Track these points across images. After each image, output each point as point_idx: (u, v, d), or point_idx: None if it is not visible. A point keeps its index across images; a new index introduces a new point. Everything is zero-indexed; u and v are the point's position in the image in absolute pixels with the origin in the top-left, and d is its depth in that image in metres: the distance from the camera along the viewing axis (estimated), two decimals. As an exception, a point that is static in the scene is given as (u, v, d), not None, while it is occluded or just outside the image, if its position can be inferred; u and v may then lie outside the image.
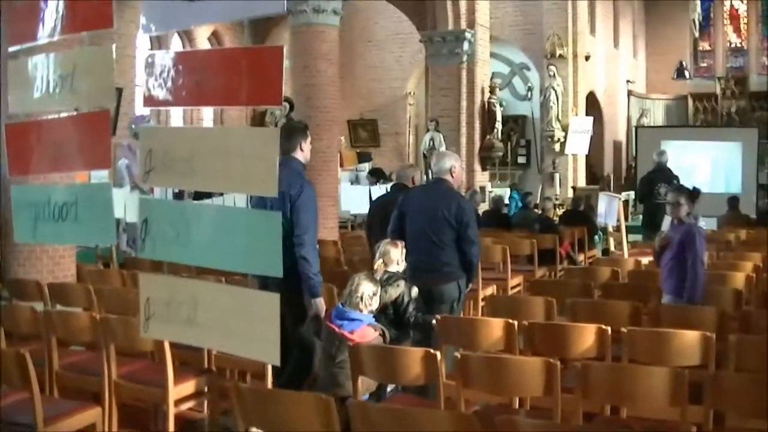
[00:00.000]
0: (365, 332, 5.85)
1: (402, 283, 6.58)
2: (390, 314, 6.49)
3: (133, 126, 14.89)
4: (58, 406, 5.42)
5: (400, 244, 6.83)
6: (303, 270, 6.32)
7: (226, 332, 3.38)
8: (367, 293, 5.92)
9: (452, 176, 7.46)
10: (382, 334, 5.97)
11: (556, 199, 21.56)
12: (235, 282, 6.95)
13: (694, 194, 7.60)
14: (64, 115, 4.02)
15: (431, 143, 21.65)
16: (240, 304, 3.32)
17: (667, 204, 7.56)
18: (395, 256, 6.68)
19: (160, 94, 3.53)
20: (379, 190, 17.80)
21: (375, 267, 6.65)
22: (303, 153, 6.74)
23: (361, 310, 5.91)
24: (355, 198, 19.21)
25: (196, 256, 3.45)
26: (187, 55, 3.67)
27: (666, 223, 7.85)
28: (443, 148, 20.81)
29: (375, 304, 6.02)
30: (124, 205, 12.31)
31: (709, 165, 22.15)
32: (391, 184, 13.09)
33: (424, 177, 11.08)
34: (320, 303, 6.45)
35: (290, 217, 6.35)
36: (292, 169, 6.49)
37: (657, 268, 7.91)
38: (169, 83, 3.49)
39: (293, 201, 6.37)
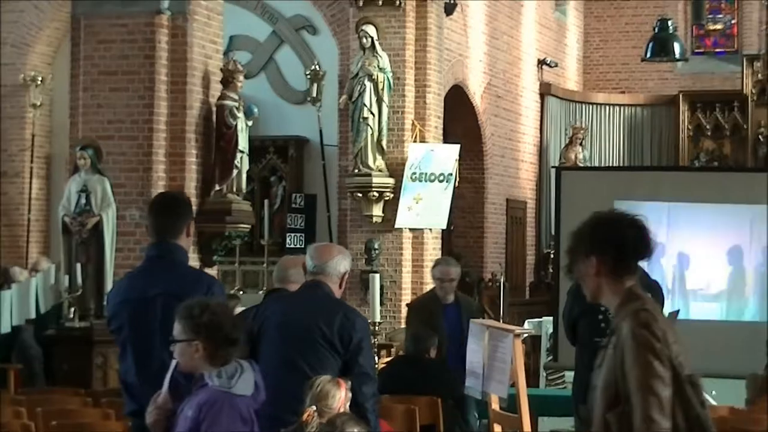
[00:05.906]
0: None
1: None
2: None
3: None
4: None
5: (345, 383, 6.31)
6: None
7: None
8: None
9: (340, 285, 6.60)
10: None
11: (377, 331, 14.29)
12: None
13: None
14: None
15: (84, 200, 13.83)
16: None
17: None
18: (337, 403, 6.20)
19: None
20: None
21: (304, 417, 6.27)
22: (188, 240, 6.21)
23: None
24: None
25: None
26: None
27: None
28: (112, 211, 13.46)
29: None
30: None
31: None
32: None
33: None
34: None
35: None
36: (181, 263, 5.97)
37: None
38: None
39: None
